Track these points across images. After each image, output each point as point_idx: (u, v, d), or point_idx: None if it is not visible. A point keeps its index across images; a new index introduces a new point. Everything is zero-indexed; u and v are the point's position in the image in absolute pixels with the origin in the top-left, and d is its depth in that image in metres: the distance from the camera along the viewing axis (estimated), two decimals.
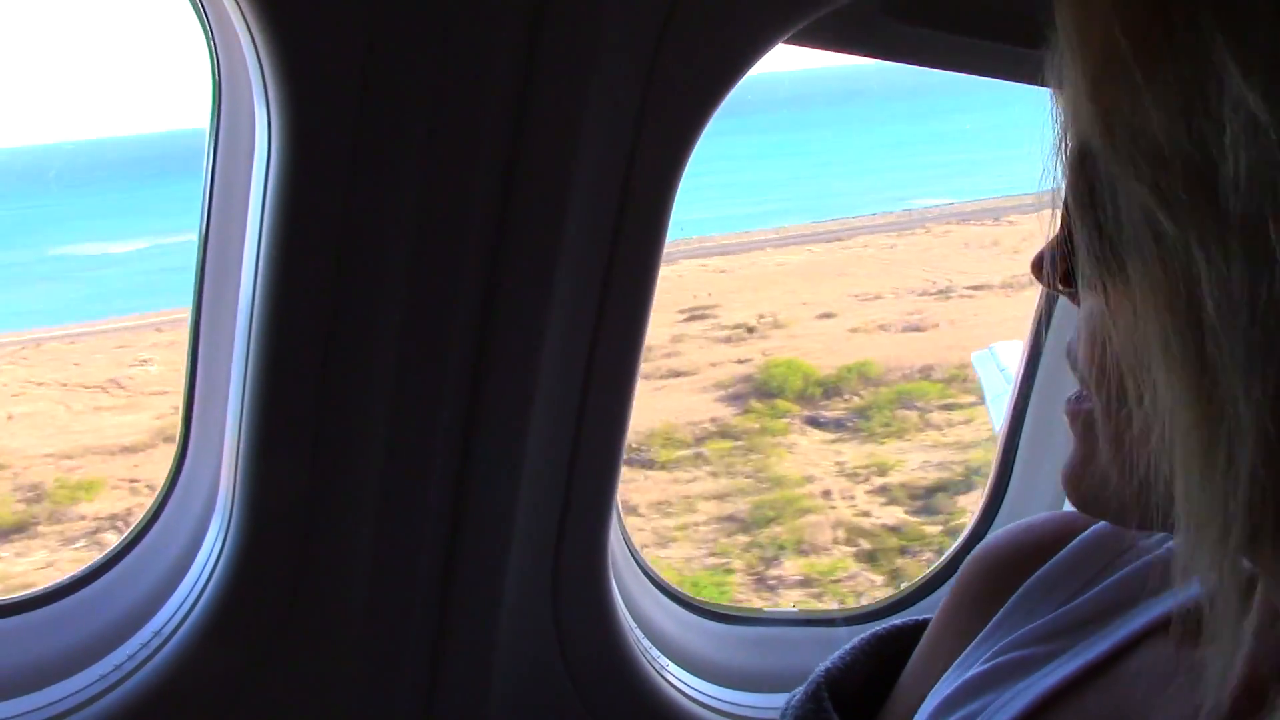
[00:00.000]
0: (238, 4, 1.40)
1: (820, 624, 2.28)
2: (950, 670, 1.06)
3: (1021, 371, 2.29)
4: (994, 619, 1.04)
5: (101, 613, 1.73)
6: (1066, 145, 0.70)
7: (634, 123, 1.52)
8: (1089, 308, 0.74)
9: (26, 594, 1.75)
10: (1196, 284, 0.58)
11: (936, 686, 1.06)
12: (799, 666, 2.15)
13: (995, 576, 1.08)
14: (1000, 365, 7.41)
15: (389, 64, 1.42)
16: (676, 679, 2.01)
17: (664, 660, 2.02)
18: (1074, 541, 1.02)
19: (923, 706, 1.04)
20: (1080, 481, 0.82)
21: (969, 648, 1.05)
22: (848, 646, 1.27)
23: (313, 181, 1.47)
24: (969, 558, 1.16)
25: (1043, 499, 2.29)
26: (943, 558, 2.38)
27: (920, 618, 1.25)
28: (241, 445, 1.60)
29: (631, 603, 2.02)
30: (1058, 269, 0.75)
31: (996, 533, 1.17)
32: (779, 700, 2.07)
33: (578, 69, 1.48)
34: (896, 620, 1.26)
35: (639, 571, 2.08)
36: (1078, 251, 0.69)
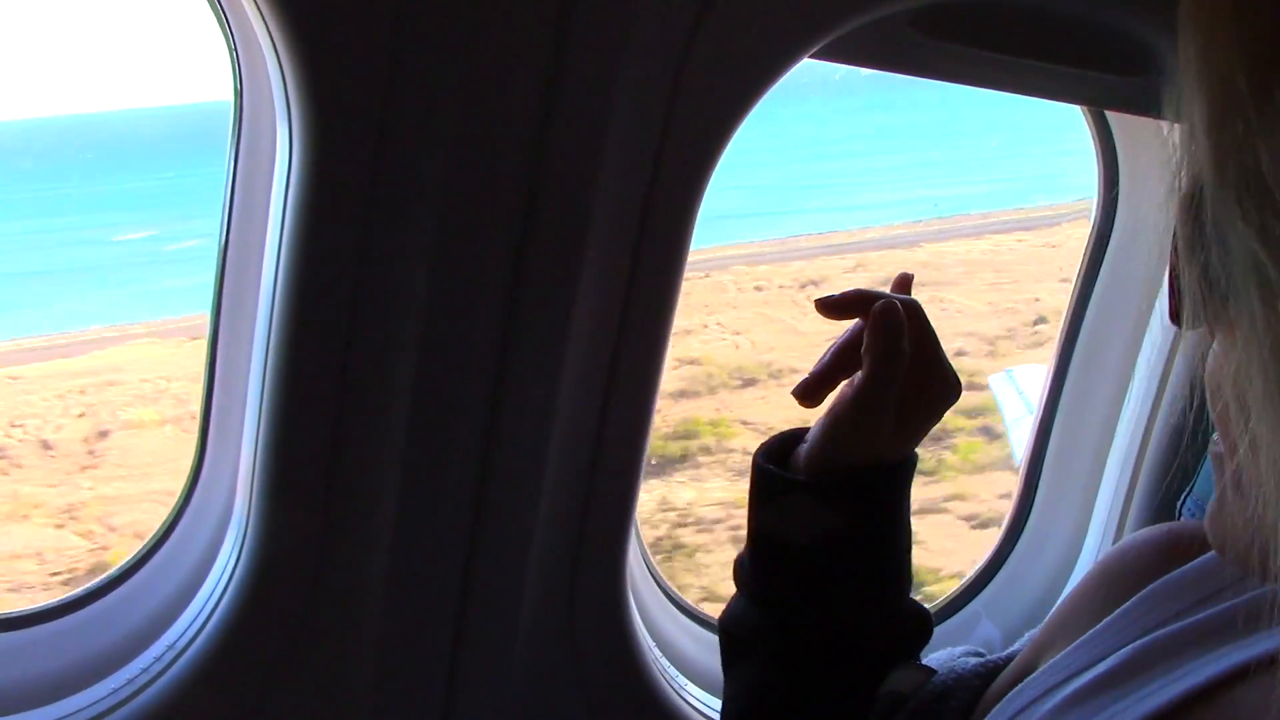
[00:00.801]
0: (259, 12, 1.39)
1: None
2: (1042, 670, 1.02)
3: (1045, 397, 2.26)
4: (1110, 617, 1.00)
5: (111, 629, 1.70)
6: (1181, 183, 0.69)
7: (659, 133, 1.51)
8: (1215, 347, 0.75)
9: (35, 608, 1.73)
10: None
11: (1029, 679, 1.02)
12: None
13: (1124, 574, 1.06)
14: (1019, 389, 7.37)
15: (412, 70, 1.41)
16: (696, 700, 1.98)
17: (683, 680, 1.99)
18: (1201, 558, 0.99)
19: (1010, 697, 1.01)
20: (1214, 521, 0.80)
21: (1075, 643, 1.01)
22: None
23: (333, 193, 1.45)
24: (1106, 554, 1.13)
25: (1065, 526, 2.26)
26: (965, 579, 2.35)
27: (1002, 655, 1.20)
28: (258, 459, 1.58)
29: (650, 622, 1.99)
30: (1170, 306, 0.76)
31: (1135, 534, 1.14)
32: None
33: (603, 81, 1.46)
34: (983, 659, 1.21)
35: (658, 590, 2.06)
36: (1184, 293, 0.69)
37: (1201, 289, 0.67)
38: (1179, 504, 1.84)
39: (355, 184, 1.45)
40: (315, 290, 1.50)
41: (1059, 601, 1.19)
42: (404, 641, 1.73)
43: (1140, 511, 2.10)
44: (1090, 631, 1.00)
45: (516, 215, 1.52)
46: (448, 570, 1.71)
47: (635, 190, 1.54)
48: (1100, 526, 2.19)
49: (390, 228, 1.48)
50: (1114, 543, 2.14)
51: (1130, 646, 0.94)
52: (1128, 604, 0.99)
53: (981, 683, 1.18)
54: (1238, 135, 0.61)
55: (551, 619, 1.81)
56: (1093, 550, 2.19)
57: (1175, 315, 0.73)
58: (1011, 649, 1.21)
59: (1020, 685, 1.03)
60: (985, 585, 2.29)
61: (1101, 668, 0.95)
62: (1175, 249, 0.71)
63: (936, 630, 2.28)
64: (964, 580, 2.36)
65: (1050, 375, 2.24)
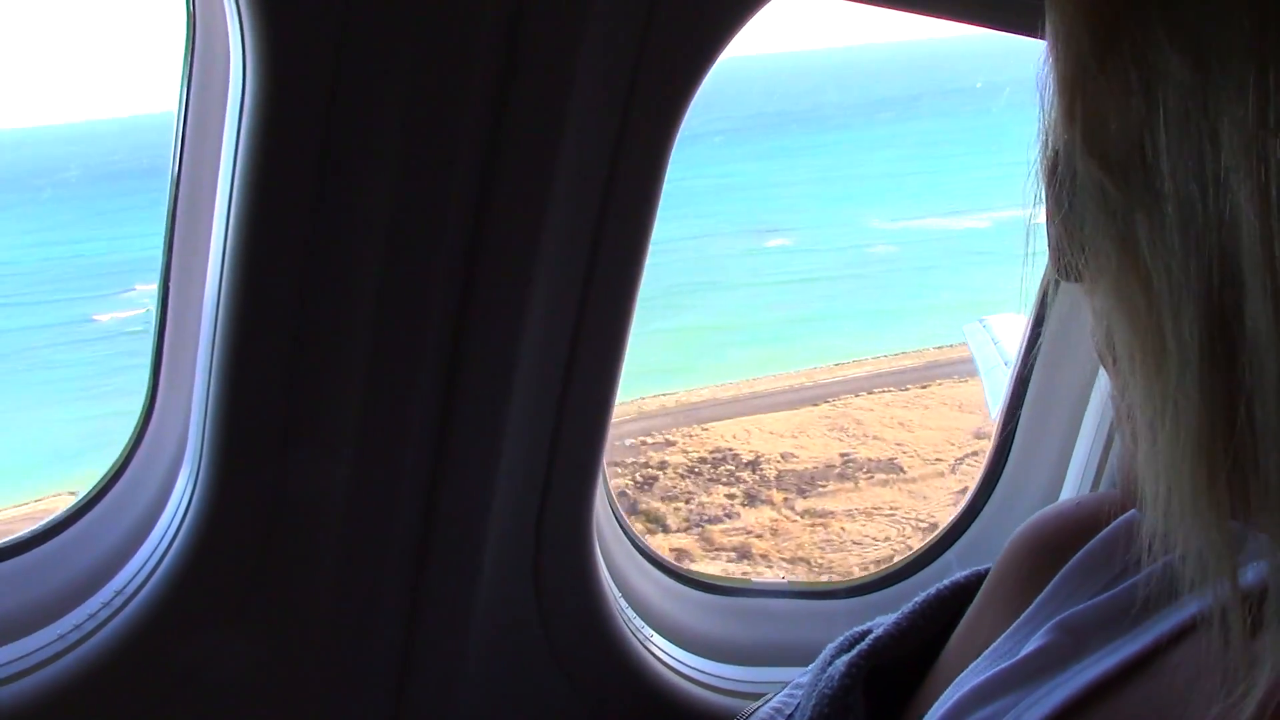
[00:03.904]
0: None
1: (816, 596, 2.23)
2: (982, 658, 1.03)
3: (1023, 348, 2.22)
4: (1034, 601, 1.02)
5: (62, 569, 1.66)
6: (1047, 143, 0.76)
7: (624, 95, 1.45)
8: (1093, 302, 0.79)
9: None
10: (1137, 241, 0.65)
11: (963, 675, 1.02)
12: (790, 640, 2.11)
13: (1040, 553, 1.08)
14: (994, 338, 7.37)
15: (365, 43, 1.35)
16: (660, 649, 1.95)
17: (647, 630, 1.96)
18: (1116, 521, 1.00)
19: (948, 694, 1.01)
20: (1122, 470, 0.84)
21: (1003, 635, 1.03)
22: (902, 612, 1.24)
23: (285, 158, 1.40)
24: (1018, 532, 1.14)
25: (1040, 478, 2.23)
26: (939, 530, 2.32)
27: (984, 568, 1.22)
28: (211, 398, 1.53)
29: (616, 570, 1.96)
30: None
31: (1046, 508, 1.15)
32: (766, 674, 2.04)
33: (565, 43, 1.40)
34: (960, 577, 1.25)
35: (624, 538, 2.02)
36: (1052, 241, 0.77)
37: (1067, 236, 0.74)
38: None
39: (311, 134, 1.39)
40: (271, 231, 1.44)
41: (988, 576, 1.18)
42: (363, 585, 1.69)
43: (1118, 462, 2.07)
44: (1015, 623, 1.02)
45: (475, 185, 1.47)
46: (408, 513, 1.67)
47: (600, 151, 1.48)
48: (1076, 477, 2.16)
49: (347, 182, 1.42)
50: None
51: (1040, 634, 0.96)
52: (1045, 592, 1.02)
53: (851, 681, 1.19)
54: (1083, 84, 0.68)
55: (516, 562, 1.78)
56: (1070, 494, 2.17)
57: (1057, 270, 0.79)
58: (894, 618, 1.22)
59: (956, 680, 1.04)
60: (959, 536, 2.27)
61: (1016, 658, 0.97)
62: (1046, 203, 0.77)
63: (910, 580, 2.29)
64: (946, 523, 2.33)
65: (1028, 324, 2.20)
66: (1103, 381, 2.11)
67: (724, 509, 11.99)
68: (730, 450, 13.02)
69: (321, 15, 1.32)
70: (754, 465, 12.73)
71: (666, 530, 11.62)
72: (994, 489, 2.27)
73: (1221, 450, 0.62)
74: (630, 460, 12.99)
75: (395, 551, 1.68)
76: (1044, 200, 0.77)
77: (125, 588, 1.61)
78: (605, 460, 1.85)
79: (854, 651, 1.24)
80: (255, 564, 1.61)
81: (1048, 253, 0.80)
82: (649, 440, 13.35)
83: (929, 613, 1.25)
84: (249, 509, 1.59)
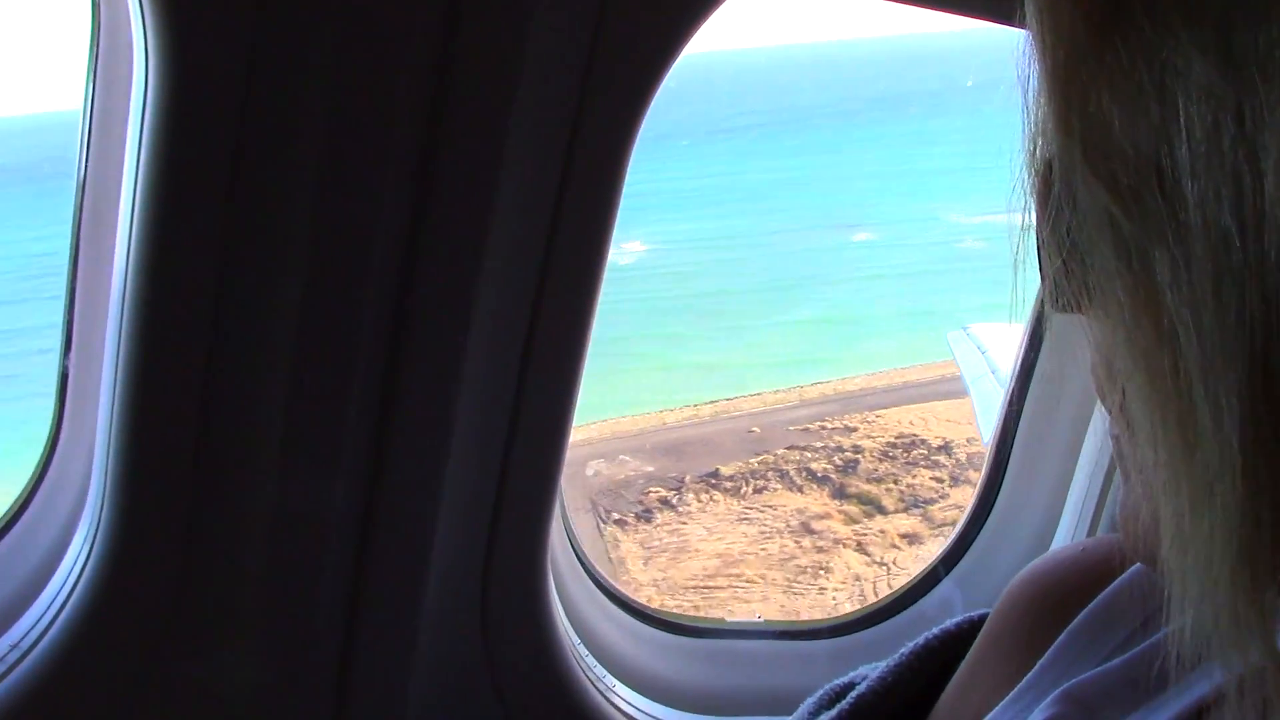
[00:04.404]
0: None
1: (795, 637, 2.08)
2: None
3: (1017, 368, 2.06)
4: (1037, 665, 0.93)
5: None
6: (1035, 152, 0.65)
7: (577, 95, 1.33)
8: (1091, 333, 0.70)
9: None
10: (1153, 280, 0.55)
11: None
12: (767, 686, 1.95)
13: (1041, 608, 0.99)
14: (979, 345, 7.25)
15: (284, 38, 1.23)
16: (622, 699, 1.80)
17: (609, 679, 1.80)
18: (1126, 573, 0.91)
19: None
20: (1124, 516, 0.74)
21: (1003, 701, 0.94)
22: (888, 664, 1.15)
23: (193, 163, 1.28)
24: (1017, 581, 1.04)
25: (1035, 509, 2.08)
26: (927, 565, 2.16)
27: (978, 613, 1.13)
28: (117, 418, 1.38)
29: (573, 610, 1.81)
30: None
31: (1046, 556, 1.06)
32: None
33: (509, 40, 1.28)
34: (951, 625, 1.15)
35: (582, 574, 1.86)
36: (1046, 272, 0.66)
37: (1062, 261, 0.63)
38: None
39: (222, 135, 1.26)
40: (179, 244, 1.31)
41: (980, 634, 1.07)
42: (292, 631, 1.54)
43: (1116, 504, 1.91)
44: (1016, 688, 0.93)
45: (410, 183, 1.34)
46: (340, 550, 1.52)
47: (553, 147, 1.36)
48: (1076, 508, 2.00)
49: (265, 189, 1.30)
50: (1089, 532, 1.95)
51: (1046, 705, 0.88)
52: (1048, 655, 0.93)
53: None
54: (1081, 85, 0.58)
55: (460, 604, 1.63)
56: (1065, 537, 2.01)
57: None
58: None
59: None
60: (949, 571, 2.11)
61: None
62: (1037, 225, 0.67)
63: (896, 619, 2.14)
64: (935, 556, 2.18)
65: (1023, 342, 2.05)
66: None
67: (934, 490, 12.06)
68: (915, 435, 13.07)
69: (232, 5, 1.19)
70: (945, 449, 12.68)
71: (884, 512, 11.65)
72: (986, 520, 2.12)
73: (1269, 553, 0.53)
74: (819, 445, 13.07)
75: (326, 593, 1.53)
76: (1035, 224, 0.67)
77: (21, 641, 1.45)
78: (563, 486, 1.71)
79: (835, 710, 1.14)
80: (168, 610, 1.47)
81: (1041, 283, 0.70)
82: (827, 426, 13.51)
83: (916, 665, 1.15)
84: (160, 548, 1.44)
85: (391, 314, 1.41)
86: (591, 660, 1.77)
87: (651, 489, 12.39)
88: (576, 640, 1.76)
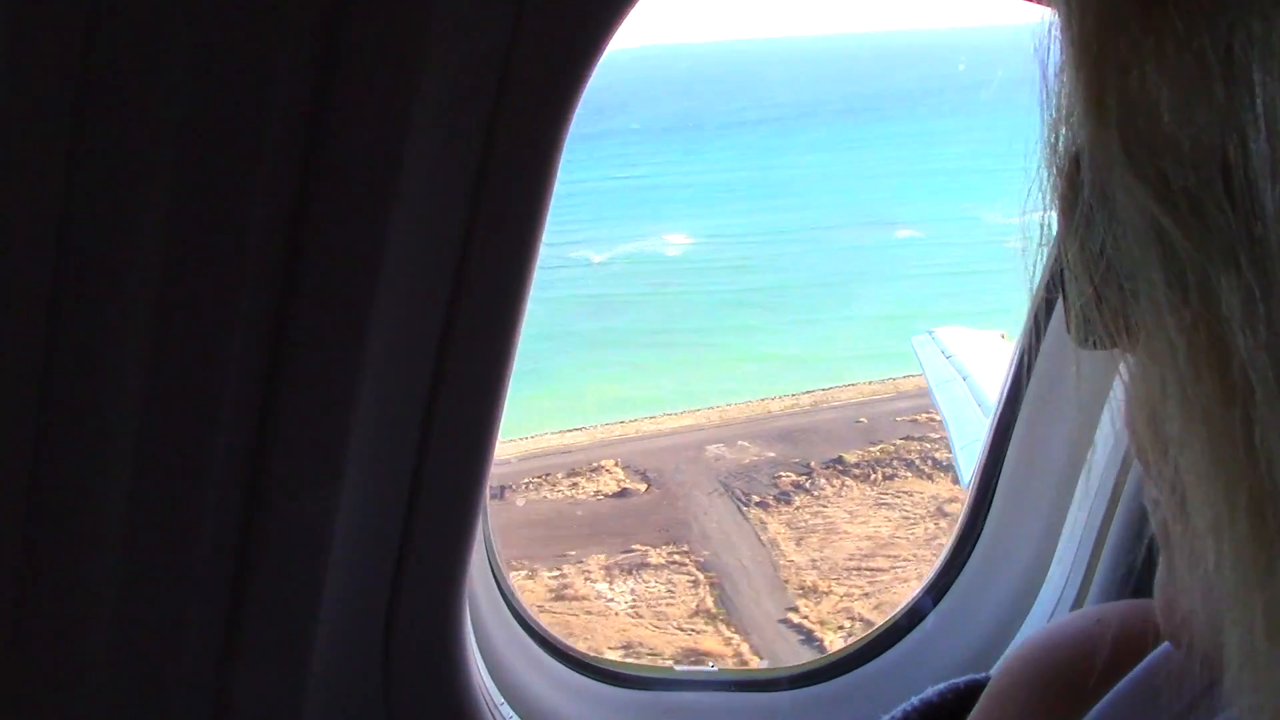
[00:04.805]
0: None
1: (753, 688, 1.88)
2: None
3: (1007, 385, 1.86)
4: None
5: None
6: (1057, 144, 0.54)
7: (493, 89, 1.18)
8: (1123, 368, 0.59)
9: None
10: (1219, 317, 0.44)
11: None
12: None
13: (1054, 688, 0.87)
14: (944, 349, 7.17)
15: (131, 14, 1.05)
16: None
17: None
18: (1155, 652, 0.80)
19: None
20: (1164, 595, 0.65)
21: None
22: None
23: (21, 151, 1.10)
24: (1025, 650, 0.93)
25: (1024, 547, 1.87)
26: (897, 611, 1.95)
27: (963, 681, 1.04)
28: None
29: (494, 657, 1.60)
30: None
31: (1058, 625, 0.97)
32: None
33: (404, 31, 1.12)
34: (933, 695, 1.05)
35: (508, 616, 1.65)
36: (1072, 297, 0.55)
37: (1093, 287, 0.53)
38: None
39: (55, 120, 1.07)
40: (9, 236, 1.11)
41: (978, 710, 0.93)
42: (149, 697, 1.33)
43: (1118, 551, 1.69)
44: None
45: (288, 179, 1.16)
46: (209, 587, 1.31)
47: (464, 153, 1.21)
48: (1071, 547, 1.79)
49: (108, 187, 1.11)
50: (1084, 578, 1.74)
51: None
52: None
53: None
54: (1118, 57, 0.46)
55: (356, 652, 1.43)
56: (1055, 589, 1.80)
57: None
58: None
59: None
60: (924, 617, 1.90)
61: None
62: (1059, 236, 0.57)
63: (864, 669, 1.92)
64: (904, 603, 1.97)
65: (1014, 357, 1.85)
66: (1107, 429, 1.74)
67: None
68: None
69: None
70: None
71: None
72: (967, 560, 1.91)
73: None
74: (935, 436, 13.21)
75: (192, 640, 1.32)
76: (1057, 238, 0.56)
77: None
78: (487, 508, 1.51)
79: None
80: None
81: (1063, 309, 0.58)
82: (935, 418, 14.02)
83: None
84: None
85: (270, 322, 1.22)
86: (509, 713, 1.56)
87: (780, 474, 12.68)
88: (493, 691, 1.55)
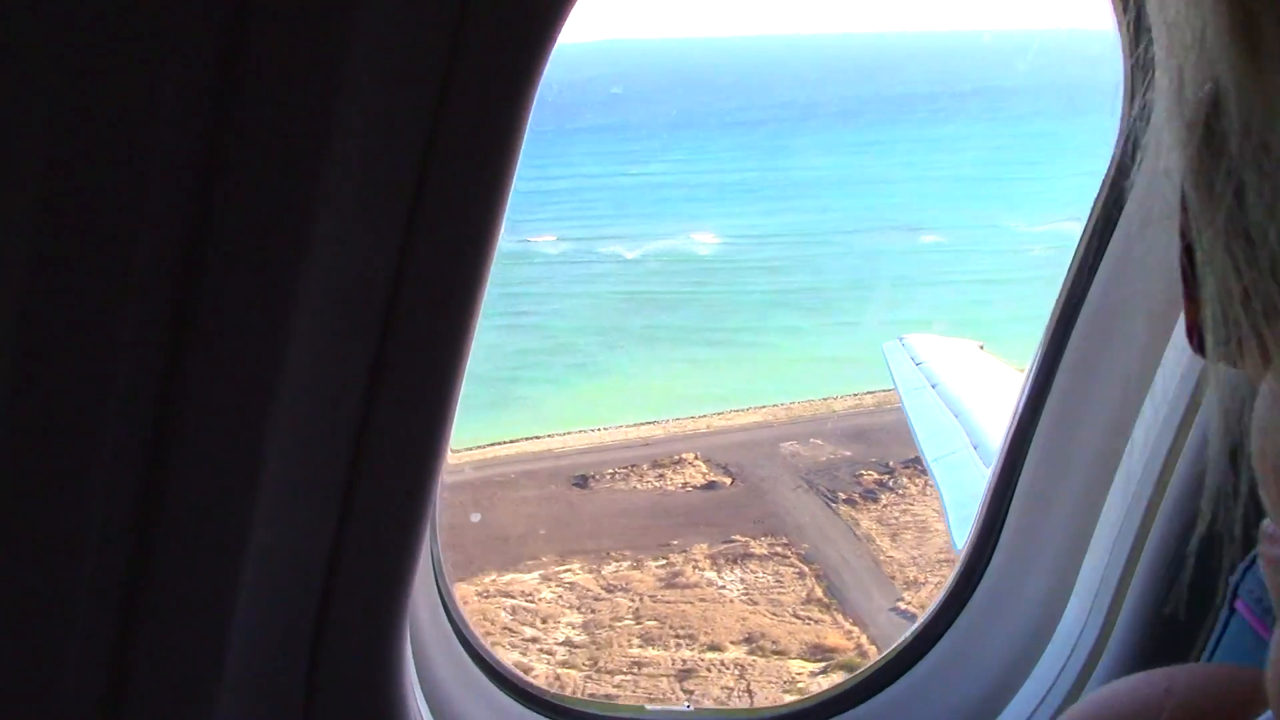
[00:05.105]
0: None
1: None
2: None
3: (1022, 400, 1.68)
4: None
5: None
6: (1183, 83, 0.42)
7: (439, 80, 1.08)
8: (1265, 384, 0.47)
9: None
10: None
11: None
12: None
13: None
14: (914, 356, 7.06)
15: None
16: None
17: None
18: None
19: None
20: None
21: None
22: None
23: None
24: (1077, 715, 0.82)
25: (1036, 580, 1.69)
26: (891, 649, 1.77)
27: None
28: None
29: (437, 693, 1.41)
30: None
31: (1118, 691, 0.83)
32: None
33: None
34: None
35: (458, 648, 1.46)
36: (1200, 285, 0.43)
37: (1238, 278, 0.40)
38: (1229, 584, 1.17)
39: None
40: None
41: None
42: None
43: (1148, 585, 1.50)
44: None
45: (188, 170, 1.03)
46: (97, 620, 1.10)
47: (404, 147, 1.10)
48: (1092, 584, 1.61)
49: None
50: (1108, 613, 1.55)
51: None
52: None
53: None
54: None
55: (280, 684, 1.25)
56: (1071, 629, 1.60)
57: (1194, 331, 0.46)
58: None
59: None
60: (923, 655, 1.71)
61: None
62: (1185, 208, 0.44)
63: (856, 710, 1.73)
64: (899, 642, 1.78)
65: (1033, 365, 1.67)
66: (1140, 444, 1.54)
67: None
68: None
69: None
70: None
71: None
72: (972, 594, 1.73)
73: None
74: None
75: (69, 683, 1.11)
76: (1185, 211, 0.44)
77: None
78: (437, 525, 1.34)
79: None
80: None
81: (1184, 311, 0.48)
82: None
83: None
84: None
85: (165, 322, 1.06)
86: None
87: (860, 472, 12.71)
88: None
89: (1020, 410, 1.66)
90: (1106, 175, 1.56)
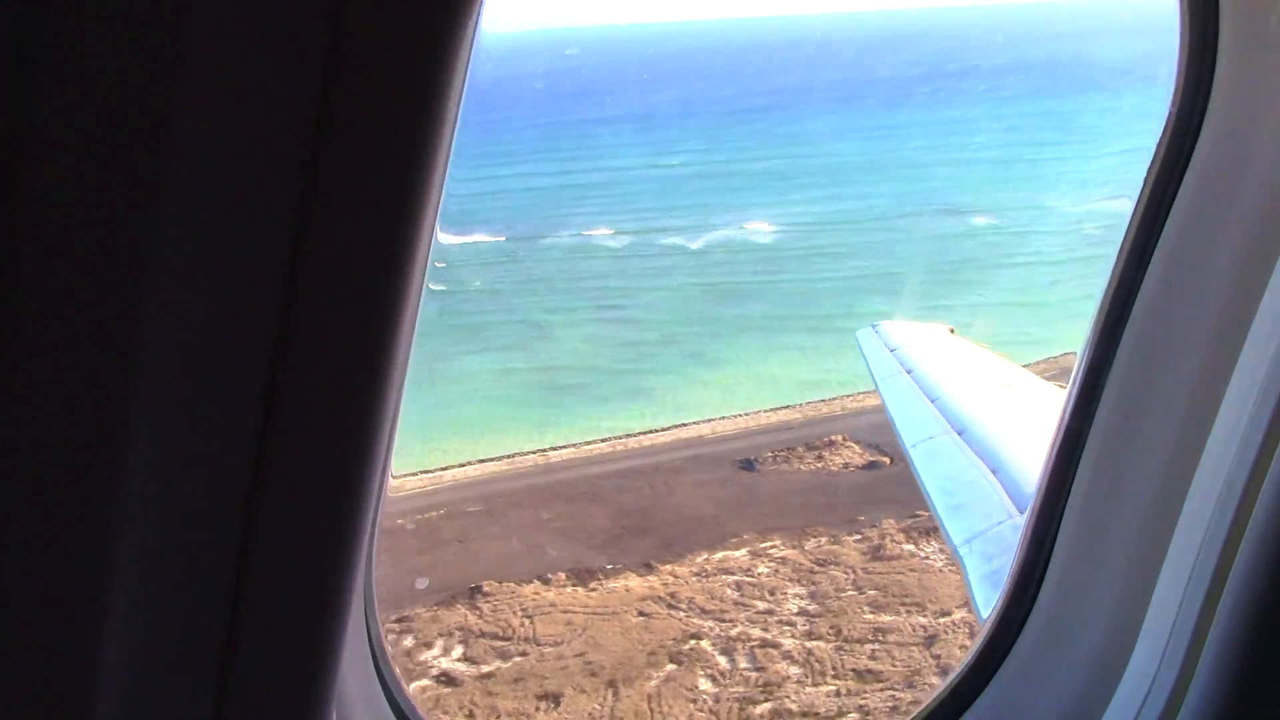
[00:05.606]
0: None
1: None
2: None
3: (1063, 426, 1.43)
4: None
5: None
6: None
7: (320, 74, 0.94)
8: None
9: None
10: None
11: None
12: None
13: None
14: (888, 343, 6.86)
15: None
16: None
17: None
18: None
19: None
20: None
21: None
22: None
23: None
24: None
25: (1093, 632, 1.43)
26: (951, 678, 1.52)
27: None
28: None
29: None
30: None
31: None
32: None
33: None
34: None
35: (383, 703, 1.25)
36: None
37: None
38: None
39: None
40: None
41: None
42: None
43: (1237, 621, 1.24)
44: None
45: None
46: None
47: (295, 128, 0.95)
48: (1164, 625, 1.34)
49: None
50: (1189, 653, 1.29)
51: None
52: None
53: None
54: None
55: None
56: (1140, 678, 1.34)
57: None
58: None
59: None
60: (961, 712, 1.46)
61: None
62: None
63: None
64: (961, 667, 1.54)
65: (1080, 367, 1.42)
66: (1223, 443, 1.28)
67: None
68: None
69: None
70: None
71: None
72: (1018, 635, 1.47)
73: None
74: None
75: None
76: None
77: None
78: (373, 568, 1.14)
79: None
80: None
81: None
82: None
83: None
84: None
85: None
86: None
87: None
88: None
89: (1067, 417, 1.40)
90: (1155, 156, 1.33)
